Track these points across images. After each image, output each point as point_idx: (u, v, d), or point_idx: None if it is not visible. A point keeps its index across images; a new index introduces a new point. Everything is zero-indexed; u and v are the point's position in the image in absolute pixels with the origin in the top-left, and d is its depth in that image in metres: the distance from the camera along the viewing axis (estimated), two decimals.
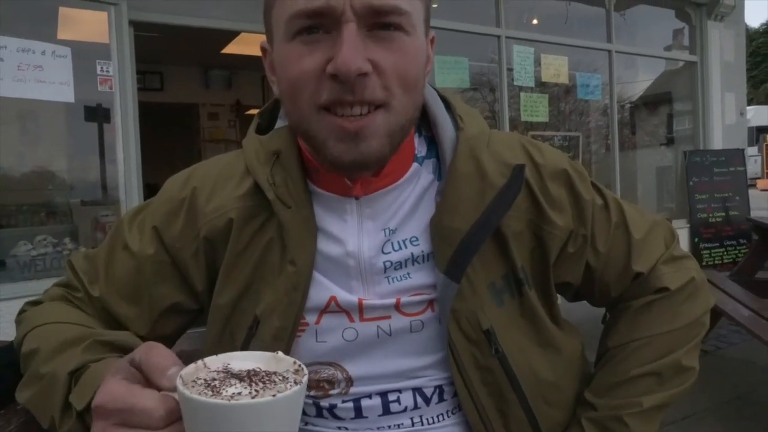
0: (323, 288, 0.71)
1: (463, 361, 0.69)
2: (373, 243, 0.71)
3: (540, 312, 0.74)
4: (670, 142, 6.67)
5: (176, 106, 7.51)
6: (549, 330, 0.75)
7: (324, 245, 0.71)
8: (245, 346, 0.70)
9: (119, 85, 3.34)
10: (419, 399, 0.73)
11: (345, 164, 0.64)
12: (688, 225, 5.83)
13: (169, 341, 0.78)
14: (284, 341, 0.69)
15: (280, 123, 0.77)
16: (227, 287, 0.72)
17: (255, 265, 0.71)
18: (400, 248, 0.71)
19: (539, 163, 0.74)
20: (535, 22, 5.47)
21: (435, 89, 0.78)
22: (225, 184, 0.75)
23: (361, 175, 0.68)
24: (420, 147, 0.75)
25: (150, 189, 5.14)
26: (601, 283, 0.79)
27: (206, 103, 8.01)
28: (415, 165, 0.73)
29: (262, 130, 0.78)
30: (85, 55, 3.26)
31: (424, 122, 0.76)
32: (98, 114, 3.39)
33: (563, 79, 5.19)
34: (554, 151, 0.78)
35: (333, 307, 0.71)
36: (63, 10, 3.32)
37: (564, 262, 0.76)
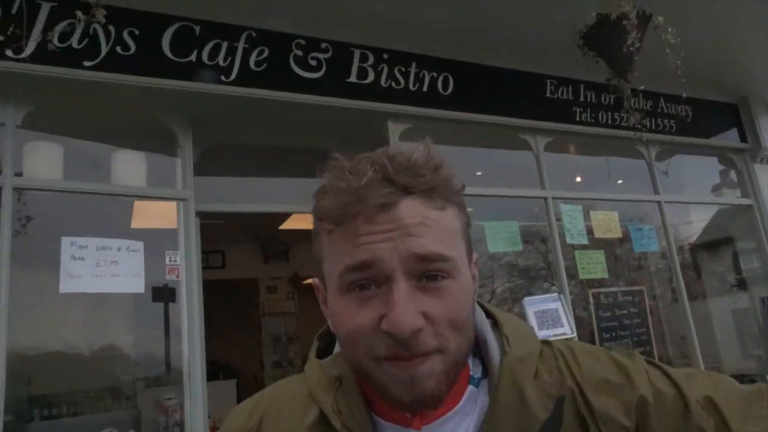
0: None
1: None
2: None
3: None
4: (741, 284, 6.33)
5: (237, 281, 7.80)
6: None
7: None
8: None
9: (185, 270, 3.54)
10: None
11: (405, 405, 0.64)
12: None
13: None
14: None
15: (338, 347, 0.77)
16: None
17: None
18: None
19: (585, 388, 0.70)
20: (578, 180, 5.62)
21: (482, 305, 0.78)
22: (291, 412, 0.75)
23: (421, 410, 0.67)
24: (475, 368, 0.74)
25: (211, 366, 5.15)
26: None
27: (265, 278, 8.30)
28: (470, 388, 0.71)
29: (321, 352, 0.80)
30: (154, 244, 3.51)
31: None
32: (164, 295, 3.56)
33: (616, 233, 5.16)
34: (599, 359, 0.74)
35: None
36: (137, 204, 3.65)
37: None
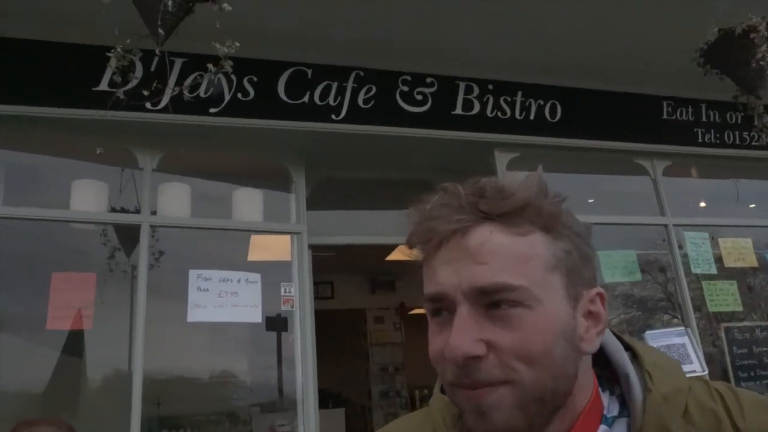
0: None
1: None
2: None
3: None
4: None
5: (345, 312, 7.96)
6: None
7: None
8: None
9: (299, 300, 3.68)
10: None
11: None
12: None
13: None
14: None
15: None
16: None
17: None
18: None
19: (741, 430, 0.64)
20: (703, 205, 5.22)
21: (618, 336, 0.73)
22: None
23: None
24: (611, 406, 0.69)
25: (321, 394, 5.26)
26: None
27: (372, 308, 8.41)
28: (602, 428, 0.66)
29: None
30: (269, 275, 3.69)
31: (616, 377, 0.71)
32: (278, 324, 3.71)
33: (750, 262, 4.72)
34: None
35: None
36: (255, 238, 3.87)
37: None
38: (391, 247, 5.62)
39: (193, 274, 3.40)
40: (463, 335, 0.59)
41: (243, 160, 3.99)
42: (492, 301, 0.60)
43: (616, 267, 4.27)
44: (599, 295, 0.67)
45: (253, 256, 3.82)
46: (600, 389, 0.70)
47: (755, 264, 4.73)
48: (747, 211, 5.07)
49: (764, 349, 4.50)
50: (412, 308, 8.17)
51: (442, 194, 0.65)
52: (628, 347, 0.72)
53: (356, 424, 7.05)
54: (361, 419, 7.69)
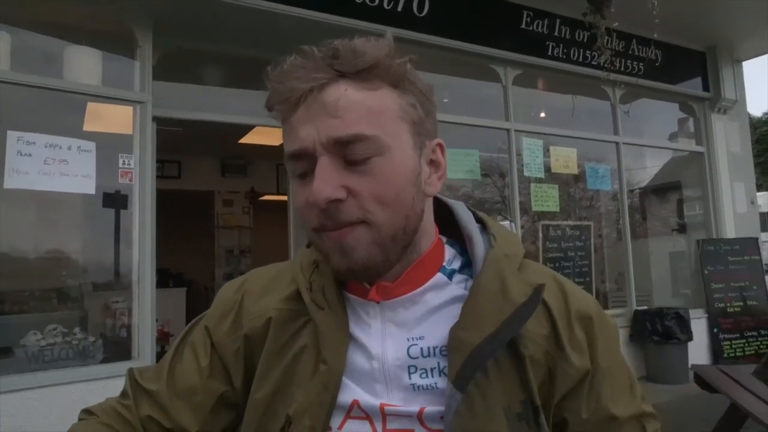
0: (348, 389, 0.71)
1: None
2: (398, 347, 0.71)
3: None
4: (682, 228, 6.67)
5: (192, 193, 7.69)
6: None
7: (351, 348, 0.73)
8: None
9: (139, 176, 3.45)
10: None
11: (343, 272, 0.69)
12: (706, 315, 5.72)
13: None
14: None
15: None
16: (263, 384, 0.75)
17: (289, 367, 0.74)
18: (429, 356, 0.71)
19: (570, 301, 0.75)
20: (543, 115, 5.66)
21: (472, 210, 0.81)
22: (273, 288, 0.80)
23: (374, 281, 0.72)
24: (454, 261, 0.77)
25: (161, 274, 5.14)
26: None
27: (222, 191, 8.20)
28: (439, 275, 0.75)
29: None
30: (107, 147, 3.39)
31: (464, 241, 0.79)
32: (116, 201, 3.49)
33: (572, 170, 5.29)
34: (588, 296, 0.79)
35: (356, 412, 0.71)
36: (91, 105, 3.49)
37: (573, 400, 0.73)
38: (244, 129, 5.42)
39: (12, 135, 3.01)
40: (324, 182, 0.64)
41: (81, 14, 3.49)
42: (349, 151, 0.65)
43: (459, 165, 4.55)
44: (439, 145, 0.75)
45: (90, 126, 3.46)
46: (447, 246, 0.78)
47: (576, 171, 5.32)
48: (578, 124, 5.61)
49: (570, 244, 5.20)
50: (263, 194, 8.11)
51: (297, 56, 0.68)
52: (479, 220, 0.80)
53: (197, 304, 7.05)
54: (203, 300, 7.70)
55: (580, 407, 0.72)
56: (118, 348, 3.43)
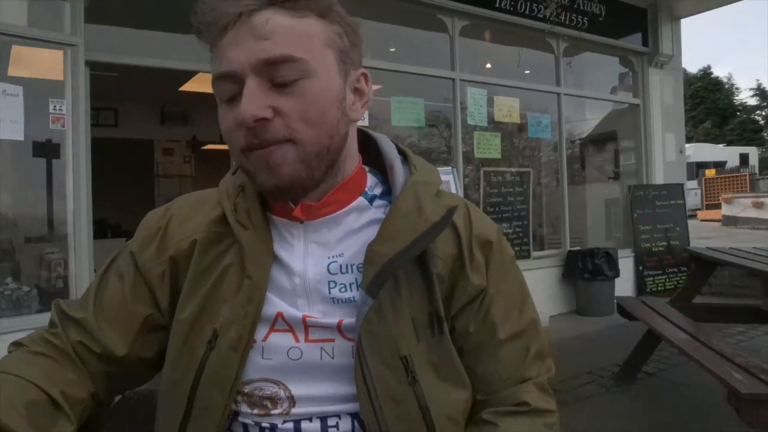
0: (272, 303, 0.75)
1: (375, 388, 0.72)
2: (318, 264, 0.76)
3: (454, 354, 0.78)
4: (616, 176, 7.01)
5: (131, 141, 7.40)
6: (462, 373, 0.79)
7: (275, 267, 0.77)
8: (204, 360, 0.74)
9: (72, 123, 3.30)
10: (356, 425, 0.75)
11: (269, 190, 0.72)
12: (633, 254, 6.12)
13: (149, 368, 0.83)
14: (240, 351, 0.73)
15: None
16: (188, 304, 0.77)
17: (215, 284, 0.77)
18: (347, 272, 0.76)
19: (474, 226, 0.82)
20: (488, 66, 5.70)
21: (396, 144, 0.85)
22: (198, 212, 0.82)
23: (299, 200, 0.75)
24: (375, 187, 0.82)
25: (99, 225, 4.97)
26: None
27: (161, 139, 7.93)
28: (361, 199, 0.80)
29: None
30: (37, 94, 3.22)
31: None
32: (47, 150, 3.34)
33: (515, 119, 5.41)
34: (492, 224, 0.85)
35: (280, 324, 0.75)
36: (16, 49, 3.28)
37: (465, 314, 0.80)
38: (186, 76, 5.22)
39: None
40: (252, 102, 0.67)
41: None
42: (277, 72, 0.68)
43: (404, 113, 4.56)
44: (364, 75, 0.78)
45: (15, 71, 3.24)
46: (370, 174, 0.83)
47: (518, 121, 5.44)
48: (522, 76, 5.69)
49: (510, 190, 5.39)
50: (205, 143, 7.90)
51: None
52: (402, 152, 0.85)
53: None
54: None
55: (468, 321, 0.79)
56: (54, 298, 3.35)
